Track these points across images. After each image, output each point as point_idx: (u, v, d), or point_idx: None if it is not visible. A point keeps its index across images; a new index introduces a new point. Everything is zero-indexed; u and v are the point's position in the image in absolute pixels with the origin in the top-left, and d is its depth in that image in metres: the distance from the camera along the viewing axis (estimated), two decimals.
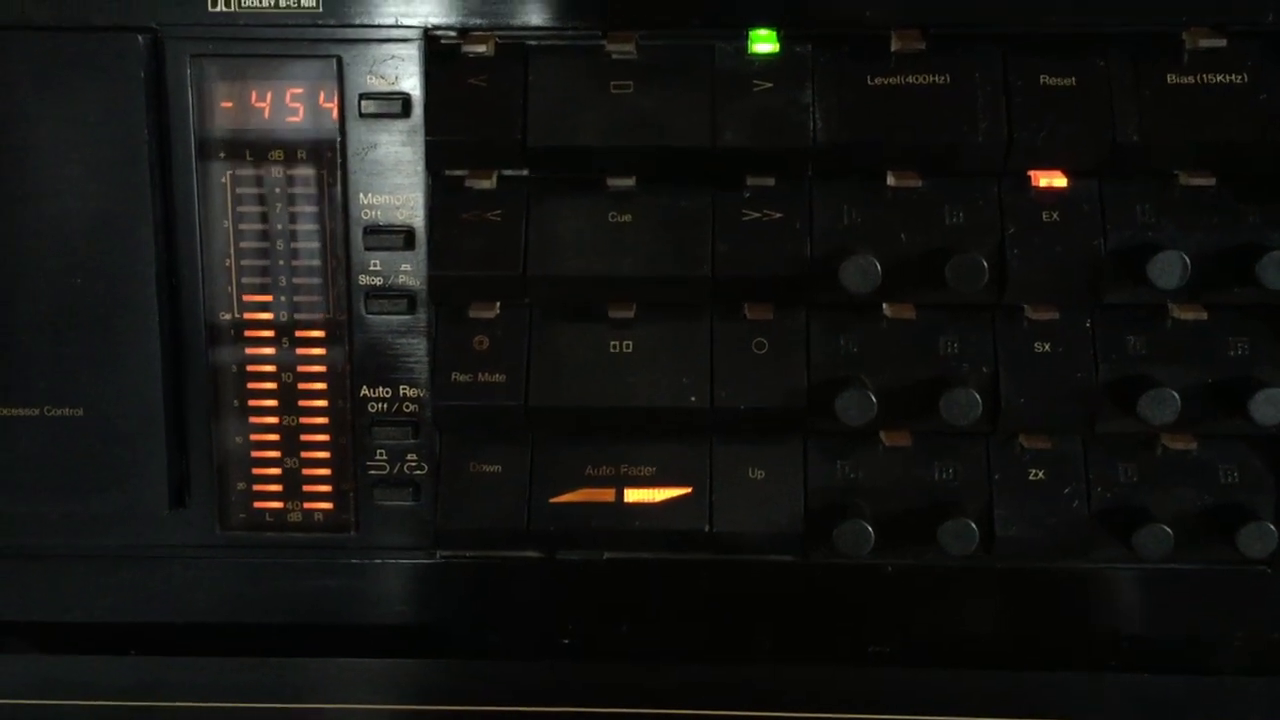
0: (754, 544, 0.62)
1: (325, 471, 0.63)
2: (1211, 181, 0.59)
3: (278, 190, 0.61)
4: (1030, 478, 0.61)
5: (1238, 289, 0.59)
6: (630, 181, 0.60)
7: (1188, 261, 0.57)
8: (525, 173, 0.61)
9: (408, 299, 0.61)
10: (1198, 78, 0.59)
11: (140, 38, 0.59)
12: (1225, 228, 0.59)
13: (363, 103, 0.60)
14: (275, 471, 0.63)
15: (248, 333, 0.62)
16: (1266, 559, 0.61)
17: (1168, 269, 0.57)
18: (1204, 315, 0.60)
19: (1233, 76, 0.59)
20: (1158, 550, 0.60)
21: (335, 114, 0.60)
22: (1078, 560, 0.62)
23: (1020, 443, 0.62)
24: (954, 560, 0.61)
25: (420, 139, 0.60)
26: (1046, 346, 0.60)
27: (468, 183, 0.61)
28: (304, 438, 0.63)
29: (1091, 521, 0.61)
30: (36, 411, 0.61)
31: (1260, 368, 0.60)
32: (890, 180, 0.60)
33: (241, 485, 0.64)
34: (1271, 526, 0.59)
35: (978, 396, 0.59)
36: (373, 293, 0.62)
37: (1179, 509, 0.61)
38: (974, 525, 0.60)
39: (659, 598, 0.64)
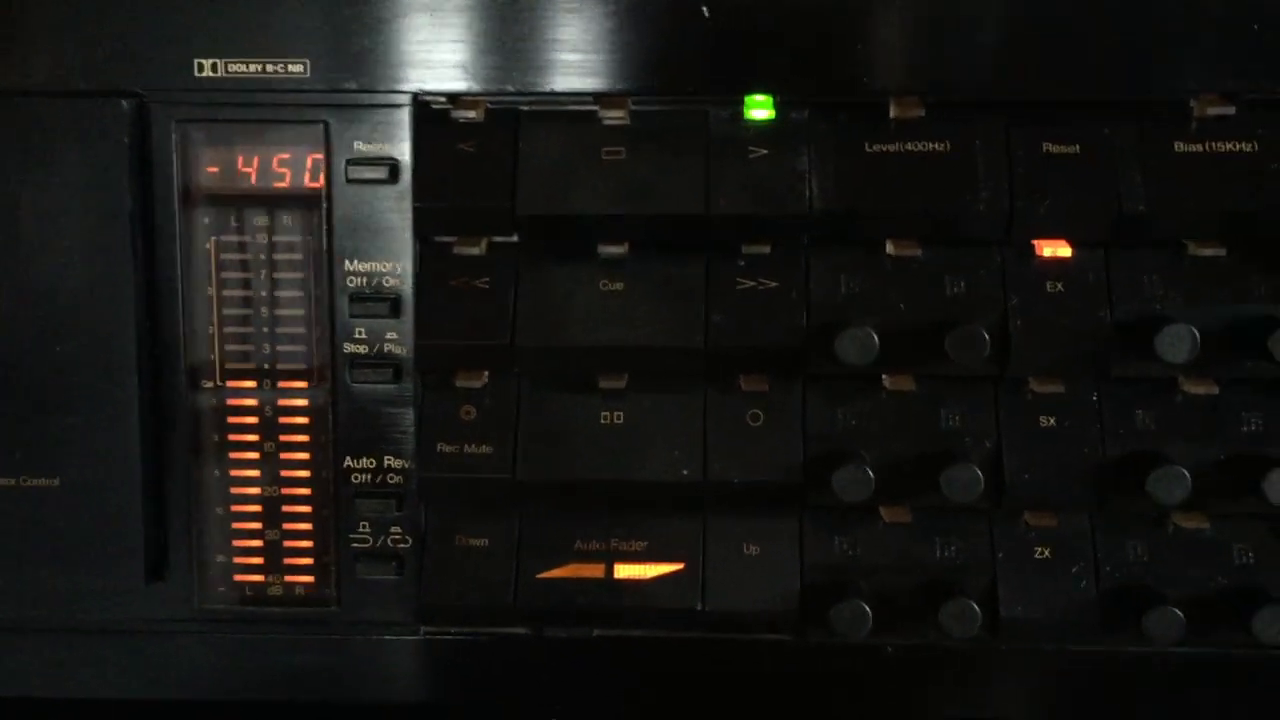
0: (748, 623, 0.60)
1: (307, 544, 0.62)
2: (1222, 252, 0.58)
3: (263, 257, 0.60)
4: (1036, 556, 0.59)
5: (1250, 363, 0.57)
6: (622, 249, 0.59)
7: (1197, 335, 0.55)
8: (515, 239, 0.60)
9: (393, 368, 0.60)
10: (1206, 146, 0.57)
11: (125, 103, 0.58)
12: (1236, 300, 0.57)
13: (350, 168, 0.59)
14: (256, 544, 0.62)
15: (230, 401, 0.61)
16: None
17: (1176, 343, 0.55)
18: (1215, 390, 0.58)
19: (1242, 145, 0.57)
20: (1170, 634, 0.57)
21: (322, 179, 0.59)
22: (1086, 643, 0.60)
23: (1025, 520, 0.60)
24: (957, 642, 0.59)
25: (408, 204, 0.59)
26: (1051, 421, 0.59)
27: (456, 249, 0.60)
28: (286, 509, 0.62)
29: (1100, 603, 0.59)
30: (12, 481, 0.60)
31: (1275, 445, 0.58)
32: (889, 249, 0.59)
33: (221, 558, 0.62)
34: None
35: (979, 473, 0.57)
36: (358, 361, 0.60)
37: (1191, 590, 0.59)
38: (976, 607, 0.57)
39: (651, 676, 0.62)
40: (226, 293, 0.60)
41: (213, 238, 0.60)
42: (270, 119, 0.59)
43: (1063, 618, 0.59)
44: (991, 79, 0.57)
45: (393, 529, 0.61)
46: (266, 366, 0.61)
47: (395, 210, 0.59)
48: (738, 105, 0.59)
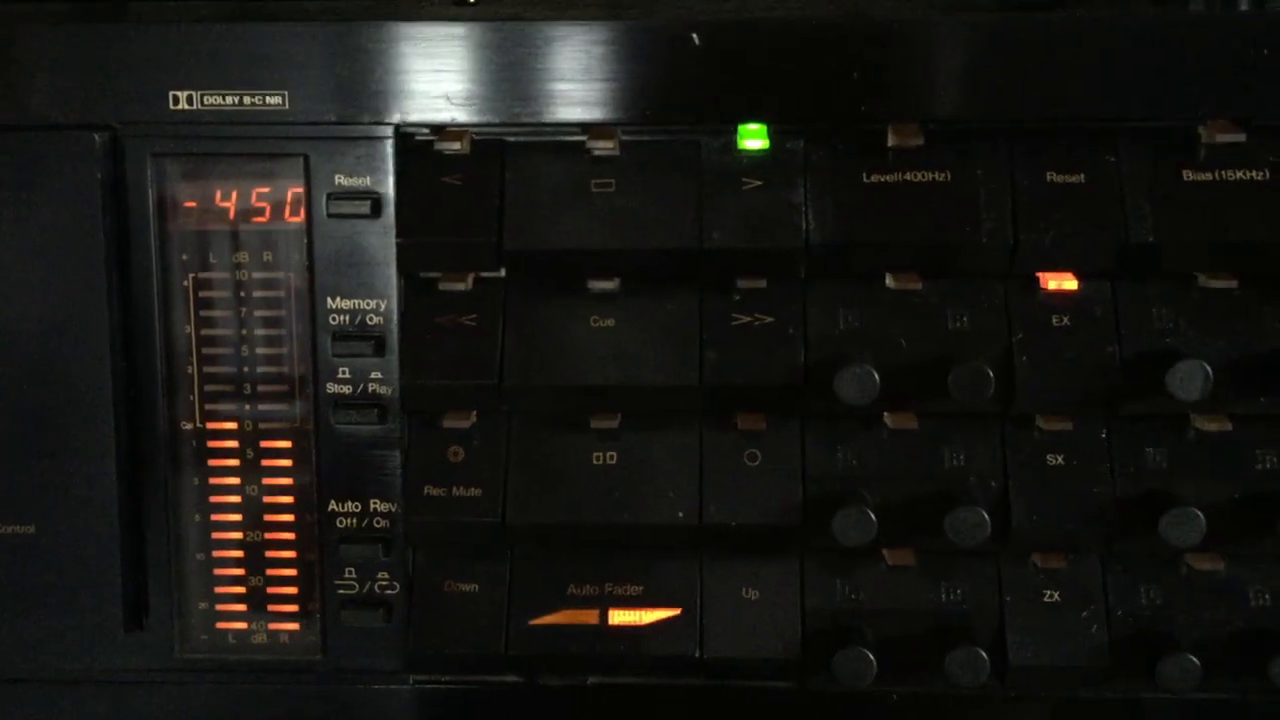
0: (748, 670, 0.58)
1: (291, 590, 0.60)
2: (1234, 284, 0.56)
3: (242, 294, 0.58)
4: (1045, 600, 0.57)
5: (1264, 399, 0.55)
6: (613, 284, 0.57)
7: (1210, 372, 0.53)
8: (502, 275, 0.58)
9: (378, 408, 0.58)
10: (1216, 174, 0.55)
11: (97, 136, 0.56)
12: (1249, 333, 0.55)
13: (331, 202, 0.57)
14: (239, 590, 0.60)
15: (210, 443, 0.59)
16: None
17: (1188, 380, 0.53)
18: (1228, 426, 0.56)
19: (1253, 173, 0.55)
20: (1184, 681, 0.55)
21: (303, 214, 0.58)
22: (1098, 690, 0.58)
23: (1033, 562, 0.58)
24: (964, 690, 0.57)
25: (392, 239, 0.57)
26: (1059, 459, 0.57)
27: (442, 285, 0.58)
28: (269, 554, 0.60)
29: (1112, 648, 0.57)
30: None
31: None
32: (889, 282, 0.57)
33: (203, 605, 0.60)
34: None
35: (985, 515, 0.55)
36: (341, 402, 0.58)
37: (1206, 634, 0.56)
38: (984, 655, 0.55)
39: None
40: (205, 331, 0.59)
41: (190, 275, 0.58)
42: (248, 152, 0.57)
43: (1073, 663, 0.57)
44: (993, 106, 0.55)
45: (380, 574, 0.59)
46: (247, 407, 0.59)
47: (379, 245, 0.57)
48: (731, 135, 0.57)
